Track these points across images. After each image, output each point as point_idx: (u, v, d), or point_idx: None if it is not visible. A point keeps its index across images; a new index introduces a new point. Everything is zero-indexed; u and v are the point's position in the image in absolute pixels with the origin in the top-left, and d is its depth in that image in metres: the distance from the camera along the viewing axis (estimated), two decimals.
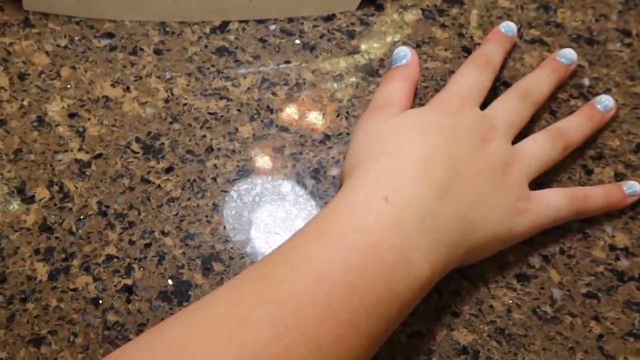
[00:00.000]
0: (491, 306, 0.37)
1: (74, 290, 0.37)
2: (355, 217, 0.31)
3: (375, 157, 0.35)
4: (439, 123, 0.36)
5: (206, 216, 0.39)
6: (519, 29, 0.45)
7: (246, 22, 0.45)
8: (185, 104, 0.42)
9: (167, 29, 0.45)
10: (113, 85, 0.43)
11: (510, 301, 0.38)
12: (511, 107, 0.39)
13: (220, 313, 0.29)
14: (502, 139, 0.38)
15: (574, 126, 0.40)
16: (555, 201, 0.38)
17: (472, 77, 0.40)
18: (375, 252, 0.30)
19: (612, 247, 0.39)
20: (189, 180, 0.40)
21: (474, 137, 0.36)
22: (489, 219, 0.35)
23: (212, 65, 0.44)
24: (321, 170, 0.41)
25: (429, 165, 0.34)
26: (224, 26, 0.45)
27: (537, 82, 0.41)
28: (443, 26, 0.46)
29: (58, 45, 0.44)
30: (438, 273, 0.33)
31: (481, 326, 0.37)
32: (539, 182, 0.40)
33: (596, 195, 0.39)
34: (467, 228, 0.34)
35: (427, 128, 0.36)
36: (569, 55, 0.43)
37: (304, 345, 0.28)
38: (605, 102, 0.42)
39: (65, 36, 0.44)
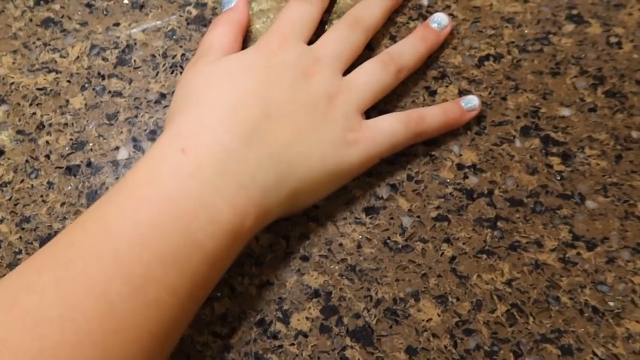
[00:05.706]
0: (341, 244, 0.36)
1: None
2: (148, 171, 0.30)
3: (182, 111, 0.33)
4: (253, 66, 0.35)
5: (41, 196, 0.38)
6: None
7: None
8: (12, 83, 0.40)
9: None
10: None
11: (360, 236, 0.37)
12: (340, 37, 0.38)
13: (10, 282, 0.28)
14: (328, 71, 0.36)
15: (407, 49, 0.39)
16: (389, 126, 0.36)
17: (297, 11, 0.38)
18: (168, 202, 0.29)
19: (460, 166, 0.38)
20: (21, 162, 0.38)
21: (292, 73, 0.35)
22: (311, 155, 0.34)
23: (38, 39, 0.42)
24: (158, 131, 0.39)
25: (234, 110, 0.32)
26: None
27: (368, 8, 0.39)
28: None
29: None
30: (253, 218, 0.31)
31: (332, 266, 0.36)
32: (381, 109, 0.39)
33: (432, 114, 0.37)
34: (286, 168, 0.33)
35: (238, 73, 0.34)
36: None
37: (92, 302, 0.26)
38: (439, 20, 0.40)
39: None
